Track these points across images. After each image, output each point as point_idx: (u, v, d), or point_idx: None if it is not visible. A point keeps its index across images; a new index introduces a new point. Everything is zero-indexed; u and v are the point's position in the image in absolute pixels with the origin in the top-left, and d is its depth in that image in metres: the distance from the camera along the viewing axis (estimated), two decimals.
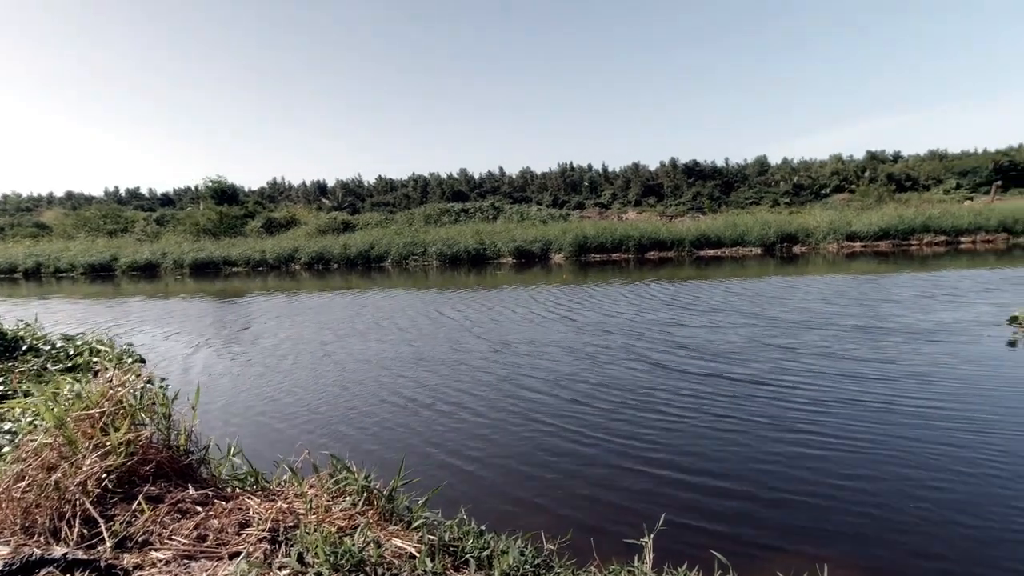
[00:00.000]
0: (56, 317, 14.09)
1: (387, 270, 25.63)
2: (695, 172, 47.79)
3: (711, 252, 25.97)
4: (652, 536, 2.76)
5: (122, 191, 71.93)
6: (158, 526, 2.31)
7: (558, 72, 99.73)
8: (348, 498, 2.69)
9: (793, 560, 3.29)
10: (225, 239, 32.34)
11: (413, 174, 62.57)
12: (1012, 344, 8.27)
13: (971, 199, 36.24)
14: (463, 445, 5.45)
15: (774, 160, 48.75)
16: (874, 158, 46.57)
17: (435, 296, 16.37)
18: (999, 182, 38.26)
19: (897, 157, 47.08)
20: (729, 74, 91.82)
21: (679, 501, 4.19)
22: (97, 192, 72.85)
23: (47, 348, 8.14)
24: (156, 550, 2.18)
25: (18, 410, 4.03)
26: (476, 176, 60.65)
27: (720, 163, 49.12)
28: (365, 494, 2.70)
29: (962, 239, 25.12)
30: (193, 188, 65.19)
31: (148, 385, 3.32)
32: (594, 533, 3.48)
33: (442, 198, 53.40)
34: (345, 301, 16.05)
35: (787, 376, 7.13)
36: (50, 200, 70.70)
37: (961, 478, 4.41)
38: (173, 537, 2.26)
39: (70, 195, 71.69)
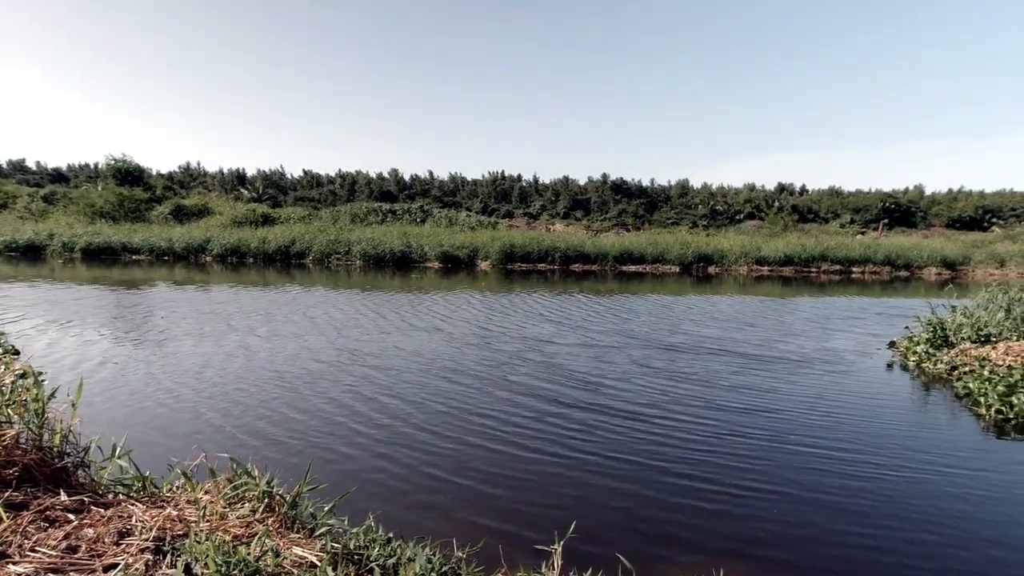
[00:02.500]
0: None
1: (308, 268, 24.61)
2: (622, 189, 49.50)
3: (633, 268, 26.94)
4: (561, 542, 2.77)
5: (2, 161, 64.67)
6: (19, 536, 2.05)
7: (494, 79, 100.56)
8: (247, 504, 2.51)
9: (693, 566, 3.43)
10: (126, 224, 29.85)
11: (340, 171, 60.66)
12: (889, 367, 9.14)
13: (863, 233, 39.87)
14: (376, 452, 5.29)
15: (695, 183, 51.40)
16: (783, 189, 50.25)
17: (350, 296, 15.89)
18: (886, 220, 42.42)
19: (803, 190, 51.07)
20: (660, 97, 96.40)
21: (591, 506, 4.27)
22: None
23: None
24: (15, 563, 1.92)
25: None
26: (406, 177, 59.68)
27: (646, 182, 51.16)
28: (266, 500, 2.53)
29: (854, 269, 27.56)
30: (92, 166, 59.86)
31: (20, 380, 2.96)
32: (505, 539, 3.46)
33: (370, 197, 52.09)
34: (258, 297, 15.23)
35: (683, 404, 7.49)
36: None
37: (845, 492, 4.78)
38: (37, 548, 2.01)
39: None
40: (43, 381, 2.81)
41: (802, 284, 22.44)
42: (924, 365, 8.93)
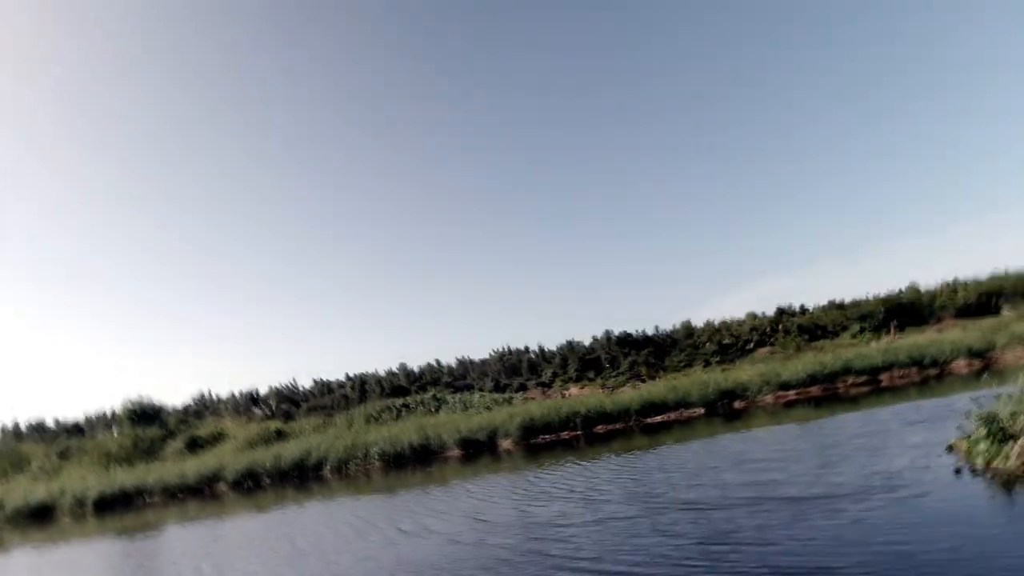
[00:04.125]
0: None
1: (325, 478, 23.65)
2: (628, 342, 49.93)
3: (658, 418, 26.01)
4: None
5: (22, 425, 65.58)
6: None
7: (485, 262, 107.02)
8: None
9: None
10: (140, 465, 29.29)
11: (348, 375, 61.56)
12: (958, 472, 8.37)
13: (877, 339, 39.40)
14: None
15: (697, 322, 52.06)
16: (784, 312, 50.80)
17: (368, 504, 15.04)
18: (895, 323, 42.24)
19: (804, 310, 51.61)
20: (648, 246, 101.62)
21: None
22: None
23: None
24: None
25: None
26: (415, 369, 60.46)
27: (650, 331, 51.80)
28: None
29: (880, 376, 26.67)
30: (109, 413, 60.69)
31: None
32: None
33: (382, 395, 52.14)
34: (274, 520, 14.37)
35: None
36: None
37: None
38: None
39: None
40: None
41: (833, 402, 21.54)
42: (994, 464, 8.18)
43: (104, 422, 59.14)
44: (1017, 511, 6.50)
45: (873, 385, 25.36)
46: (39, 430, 65.44)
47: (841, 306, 49.93)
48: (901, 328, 41.52)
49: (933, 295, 47.31)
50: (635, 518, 8.51)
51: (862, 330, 43.28)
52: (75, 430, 63.76)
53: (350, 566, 8.49)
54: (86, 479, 27.44)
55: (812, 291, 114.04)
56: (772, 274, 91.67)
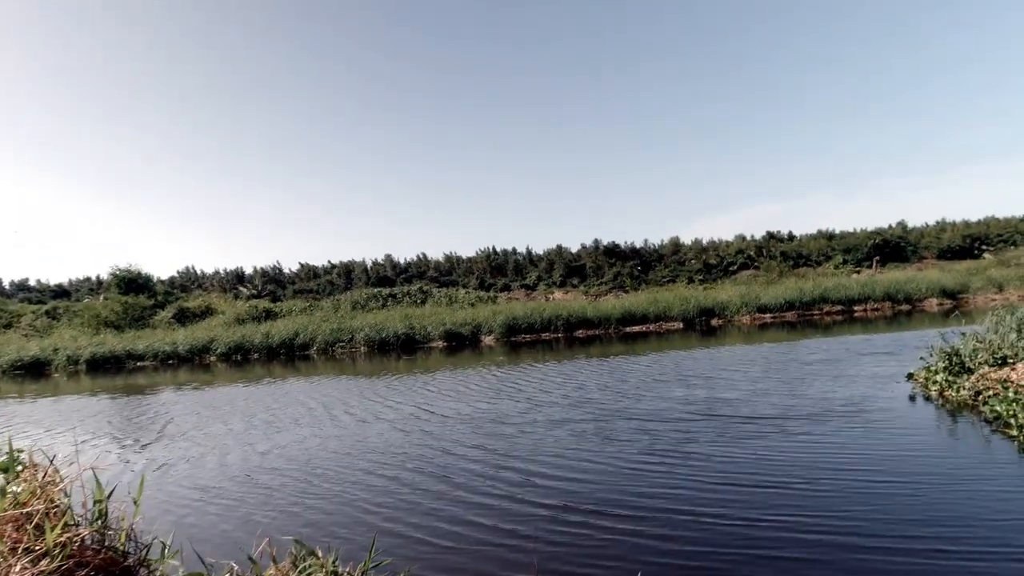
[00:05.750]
0: None
1: (312, 358, 24.57)
2: (615, 253, 50.43)
3: (637, 328, 27.01)
4: None
5: (5, 283, 65.74)
6: None
7: (480, 157, 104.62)
8: None
9: None
10: (130, 331, 30.00)
11: (333, 262, 61.83)
12: (911, 398, 9.08)
13: (857, 272, 40.37)
14: (417, 524, 5.16)
15: (686, 239, 52.53)
16: (772, 237, 51.34)
17: (360, 383, 15.82)
18: (878, 258, 43.12)
19: (791, 236, 52.18)
20: (645, 158, 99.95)
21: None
22: None
23: None
24: None
25: None
26: (402, 261, 60.84)
27: (639, 244, 52.24)
28: None
29: (855, 308, 27.70)
30: (95, 279, 60.82)
31: (78, 485, 2.97)
32: None
33: (368, 284, 52.79)
34: (268, 391, 15.14)
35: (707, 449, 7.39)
36: None
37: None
38: None
39: None
40: (99, 485, 2.82)
41: (807, 327, 22.49)
42: (947, 393, 8.87)
43: (89, 287, 59.42)
44: (957, 431, 7.20)
45: (846, 315, 26.38)
46: (23, 289, 65.61)
47: (830, 236, 50.56)
48: (883, 263, 42.45)
49: (920, 234, 47.97)
50: (583, 422, 9.12)
51: (845, 262, 44.20)
52: (60, 293, 64.08)
53: (298, 441, 9.18)
54: (77, 340, 28.13)
55: (802, 221, 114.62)
56: (764, 199, 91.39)
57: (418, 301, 38.09)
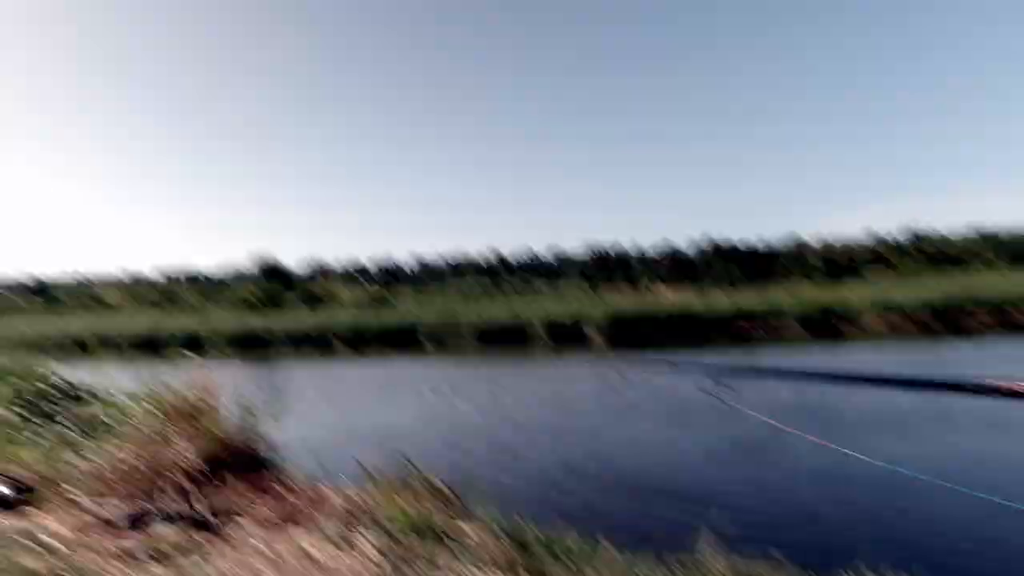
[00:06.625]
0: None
1: (423, 344, 25.94)
2: (726, 250, 48.11)
3: (748, 326, 25.54)
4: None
5: (172, 273, 76.33)
6: (242, 499, 2.51)
7: (587, 151, 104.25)
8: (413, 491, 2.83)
9: None
10: (270, 314, 33.58)
11: (445, 254, 64.79)
12: None
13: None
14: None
15: (807, 237, 48.83)
16: (910, 233, 46.23)
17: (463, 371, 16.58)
18: None
19: (933, 233, 46.64)
20: (761, 154, 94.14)
21: None
22: (147, 272, 77.84)
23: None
24: (241, 516, 2.37)
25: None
26: (508, 254, 62.39)
27: (753, 240, 49.41)
28: (428, 488, 2.85)
29: (1014, 313, 24.16)
30: (237, 268, 68.41)
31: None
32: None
33: (476, 275, 54.73)
34: (385, 371, 16.39)
35: None
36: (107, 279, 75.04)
37: None
38: (254, 507, 2.45)
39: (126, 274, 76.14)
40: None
41: (949, 334, 20.06)
42: None
43: (235, 275, 67.01)
44: None
45: (1002, 320, 23.07)
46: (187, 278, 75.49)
47: (985, 234, 44.49)
48: None
49: None
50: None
51: (994, 261, 38.65)
52: (211, 282, 72.93)
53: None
54: (227, 320, 32.00)
55: (947, 216, 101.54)
56: (900, 194, 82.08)
57: (523, 293, 38.88)
